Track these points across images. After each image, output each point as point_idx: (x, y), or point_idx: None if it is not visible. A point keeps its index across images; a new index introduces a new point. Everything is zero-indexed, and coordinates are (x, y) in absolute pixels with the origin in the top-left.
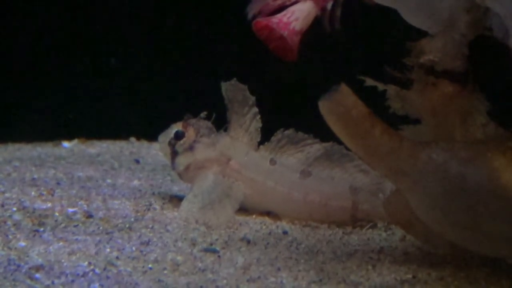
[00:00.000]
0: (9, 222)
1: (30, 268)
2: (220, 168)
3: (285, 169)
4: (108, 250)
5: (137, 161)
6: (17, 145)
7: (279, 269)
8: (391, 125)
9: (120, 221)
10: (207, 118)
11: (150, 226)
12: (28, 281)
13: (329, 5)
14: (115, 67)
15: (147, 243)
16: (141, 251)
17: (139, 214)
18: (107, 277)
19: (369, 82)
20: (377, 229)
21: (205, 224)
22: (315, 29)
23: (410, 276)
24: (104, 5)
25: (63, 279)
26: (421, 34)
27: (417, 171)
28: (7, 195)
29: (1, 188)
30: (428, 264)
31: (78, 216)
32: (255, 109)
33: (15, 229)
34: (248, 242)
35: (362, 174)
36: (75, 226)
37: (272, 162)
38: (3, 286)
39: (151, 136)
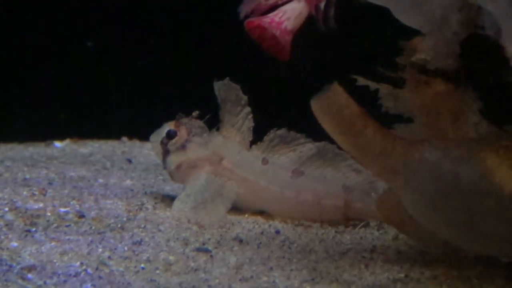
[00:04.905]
0: (1, 223)
1: (22, 269)
2: (213, 167)
3: (277, 169)
4: (100, 250)
5: (129, 161)
6: (9, 145)
7: (271, 268)
8: (384, 124)
9: (112, 221)
10: (199, 117)
11: (142, 225)
12: (20, 281)
13: (322, 5)
14: (107, 66)
15: (139, 243)
16: (134, 251)
17: (131, 214)
18: (100, 277)
19: (362, 81)
20: (369, 228)
21: (197, 223)
22: (308, 28)
23: (403, 275)
24: (97, 4)
25: (55, 279)
26: (413, 33)
27: (410, 170)
28: None
29: None
30: (421, 263)
31: (70, 216)
32: (248, 109)
33: (7, 229)
34: (241, 241)
35: (354, 173)
36: (67, 226)
37: (265, 161)
38: None
39: (143, 135)
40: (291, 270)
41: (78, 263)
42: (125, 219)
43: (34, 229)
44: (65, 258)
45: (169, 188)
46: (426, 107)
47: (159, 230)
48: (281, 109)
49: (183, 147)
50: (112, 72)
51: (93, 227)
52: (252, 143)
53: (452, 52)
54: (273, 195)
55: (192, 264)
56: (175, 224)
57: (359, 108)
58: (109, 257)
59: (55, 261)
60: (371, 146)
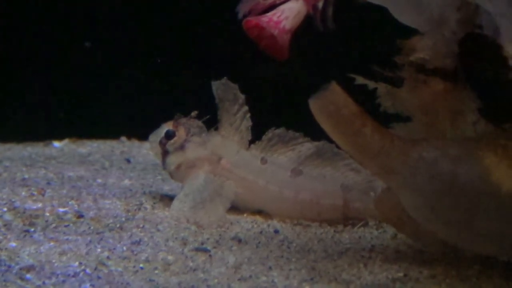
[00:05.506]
0: None
1: (21, 269)
2: (211, 167)
3: (276, 168)
4: (99, 250)
5: (128, 161)
6: (7, 145)
7: (270, 268)
8: (382, 123)
9: (111, 220)
10: (198, 117)
11: (141, 225)
12: (19, 281)
13: (320, 4)
14: (106, 66)
15: (138, 243)
16: (132, 251)
17: (130, 213)
18: (98, 277)
19: (360, 80)
20: (368, 228)
21: (196, 223)
22: (306, 27)
23: (401, 274)
24: (96, 4)
25: (54, 279)
26: (412, 32)
27: (408, 169)
28: None
29: None
30: (419, 262)
31: (69, 216)
32: (246, 108)
33: (6, 229)
34: (240, 241)
35: (353, 173)
36: (66, 226)
37: (263, 161)
38: None
39: (142, 135)
40: (290, 269)
41: (77, 263)
42: (123, 219)
43: (32, 229)
44: (64, 258)
45: (167, 187)
46: (425, 106)
47: (158, 230)
48: (279, 108)
49: (181, 147)
50: (111, 72)
51: (92, 227)
52: (251, 142)
53: (451, 52)
54: (272, 195)
55: (191, 264)
56: (173, 224)
57: (357, 107)
58: (108, 257)
59: (54, 261)
60: (370, 146)
